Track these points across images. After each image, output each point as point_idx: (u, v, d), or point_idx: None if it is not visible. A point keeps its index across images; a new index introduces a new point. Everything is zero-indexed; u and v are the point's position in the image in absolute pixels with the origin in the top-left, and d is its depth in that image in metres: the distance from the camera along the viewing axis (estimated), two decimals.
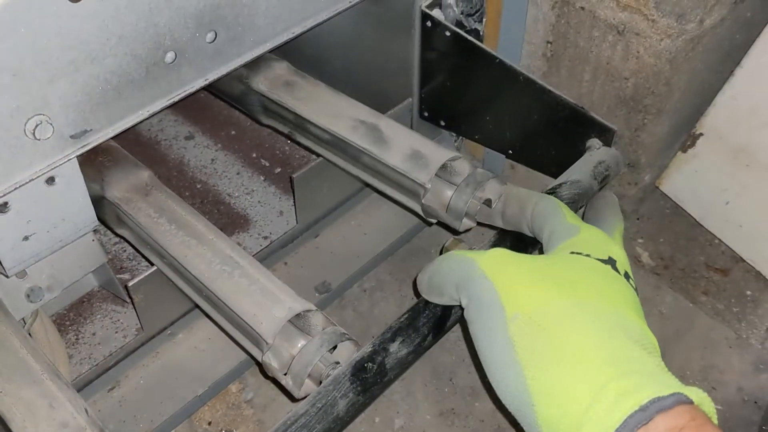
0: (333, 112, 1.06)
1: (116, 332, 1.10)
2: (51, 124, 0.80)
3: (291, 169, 1.35)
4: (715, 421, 0.53)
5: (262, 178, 1.35)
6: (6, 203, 0.83)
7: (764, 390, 1.11)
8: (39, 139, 0.80)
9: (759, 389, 1.11)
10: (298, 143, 1.18)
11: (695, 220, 1.32)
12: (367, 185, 1.18)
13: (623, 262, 0.69)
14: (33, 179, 0.83)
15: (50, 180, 0.85)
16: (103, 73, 0.82)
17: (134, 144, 1.38)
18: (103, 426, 0.74)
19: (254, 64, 1.12)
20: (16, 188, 0.82)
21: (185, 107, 1.44)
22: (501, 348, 0.60)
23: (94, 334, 1.10)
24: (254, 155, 1.38)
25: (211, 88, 1.15)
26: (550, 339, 0.58)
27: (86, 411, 0.73)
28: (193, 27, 0.87)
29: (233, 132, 1.43)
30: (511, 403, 0.60)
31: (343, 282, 1.20)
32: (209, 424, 1.09)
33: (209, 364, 1.08)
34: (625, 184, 1.33)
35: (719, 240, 1.30)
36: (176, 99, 0.90)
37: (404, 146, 1.00)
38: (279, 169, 1.36)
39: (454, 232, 1.03)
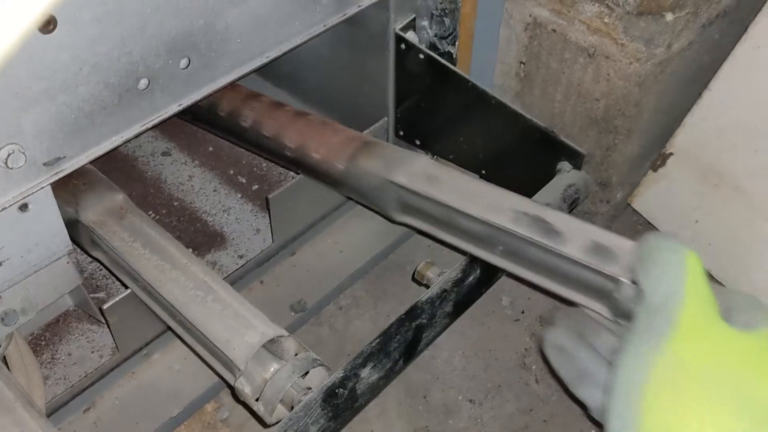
0: (488, 203, 0.92)
1: (92, 352, 1.11)
2: (24, 153, 0.80)
3: (268, 186, 1.36)
4: None
5: (239, 195, 1.35)
6: None
7: None
8: (11, 168, 0.80)
9: None
10: (440, 242, 1.01)
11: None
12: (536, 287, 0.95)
13: None
14: (5, 207, 0.83)
15: (23, 207, 0.86)
16: (76, 101, 0.82)
17: (111, 160, 1.38)
18: None
19: (394, 159, 1.02)
20: None
21: (162, 124, 1.45)
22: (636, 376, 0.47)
23: (69, 354, 1.10)
24: (231, 172, 1.39)
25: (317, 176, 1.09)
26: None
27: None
28: (165, 54, 0.88)
29: (210, 149, 1.44)
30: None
31: (319, 300, 1.21)
32: None
33: (185, 384, 1.08)
34: (597, 202, 1.35)
35: None
36: (150, 125, 0.91)
37: (582, 238, 0.85)
38: (256, 186, 1.36)
39: None
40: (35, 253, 0.90)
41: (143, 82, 0.88)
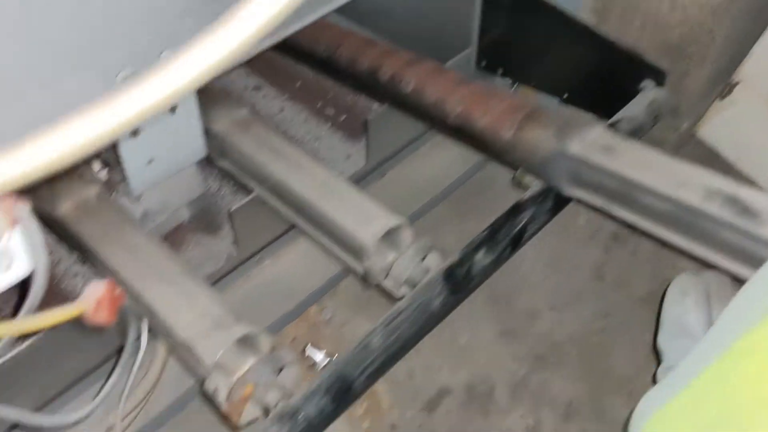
0: (676, 179, 0.86)
1: (208, 259, 1.21)
2: None
3: (355, 116, 1.45)
4: None
5: (329, 125, 1.45)
6: (137, 129, 0.94)
7: None
8: None
9: None
10: (615, 218, 0.95)
11: (731, 165, 1.42)
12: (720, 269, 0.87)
13: None
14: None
15: (172, 109, 0.96)
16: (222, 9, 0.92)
17: (208, 94, 1.48)
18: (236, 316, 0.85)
19: (565, 128, 0.97)
20: None
21: (252, 60, 1.54)
22: None
23: (188, 261, 1.21)
24: (320, 104, 1.49)
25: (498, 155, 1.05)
26: None
27: (221, 303, 0.85)
28: None
29: (299, 84, 1.53)
30: None
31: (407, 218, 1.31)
32: (293, 340, 1.21)
33: (294, 287, 1.19)
34: (666, 130, 1.43)
35: (753, 181, 1.40)
36: (283, 36, 1.00)
37: None
38: (344, 117, 1.46)
39: None
40: (178, 153, 1.01)
41: None
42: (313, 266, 1.22)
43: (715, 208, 0.81)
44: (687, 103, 1.37)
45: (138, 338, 0.79)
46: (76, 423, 0.64)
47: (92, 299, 0.54)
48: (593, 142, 0.93)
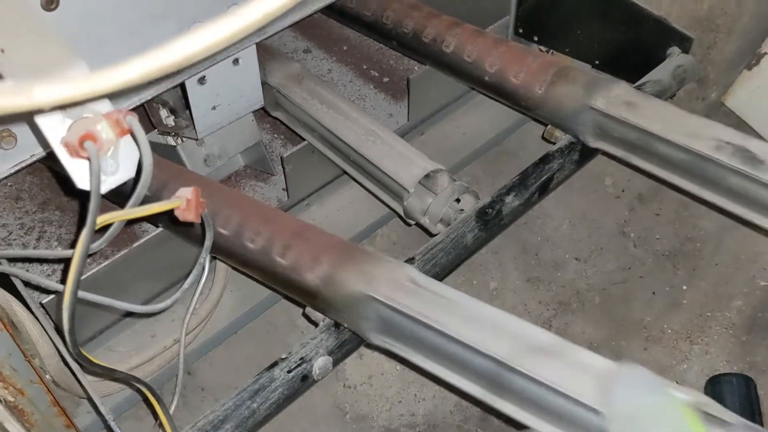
0: (689, 131, 0.95)
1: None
2: None
3: (397, 78, 1.55)
4: None
5: (372, 85, 1.55)
6: (204, 77, 1.05)
7: None
8: None
9: None
10: (633, 167, 1.06)
11: (757, 133, 1.49)
12: (721, 210, 0.98)
13: None
14: (225, 58, 1.05)
15: (236, 61, 1.07)
16: None
17: (265, 53, 1.59)
18: None
19: (592, 84, 1.06)
20: (212, 65, 1.04)
21: (301, 25, 1.65)
22: None
23: None
24: (365, 67, 1.59)
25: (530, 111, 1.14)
26: None
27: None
28: None
29: (345, 47, 1.63)
30: None
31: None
32: None
33: (340, 228, 1.30)
34: (694, 99, 1.50)
35: None
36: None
37: None
38: (387, 79, 1.56)
39: None
40: (239, 102, 1.12)
41: None
42: (354, 213, 1.33)
43: (725, 157, 0.90)
44: (715, 73, 1.44)
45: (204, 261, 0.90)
46: (159, 312, 0.75)
47: (184, 199, 0.65)
48: (617, 98, 1.02)
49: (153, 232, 1.07)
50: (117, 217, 0.61)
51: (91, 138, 0.57)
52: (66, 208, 1.31)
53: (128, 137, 0.63)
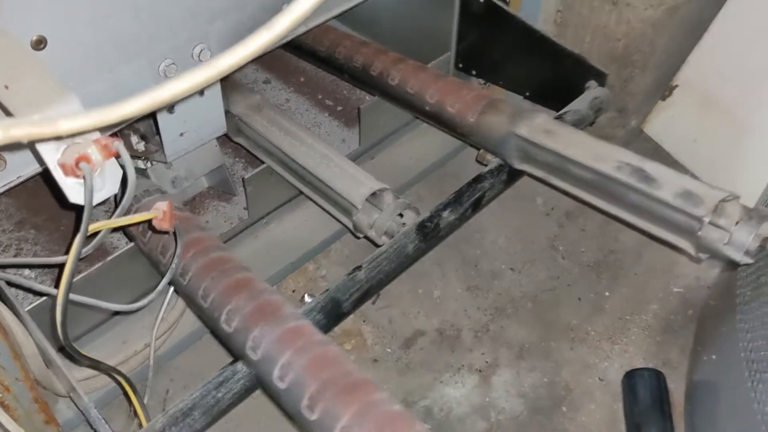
0: (596, 154, 1.09)
1: (224, 221, 1.44)
2: (209, 50, 1.14)
3: (350, 108, 1.69)
4: None
5: (327, 114, 1.69)
6: (173, 106, 1.17)
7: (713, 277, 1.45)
8: (201, 60, 1.14)
9: (711, 278, 1.46)
10: (552, 186, 1.19)
11: (672, 157, 1.66)
12: (623, 222, 1.12)
13: None
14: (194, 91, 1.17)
15: (201, 92, 1.20)
16: (243, 17, 1.16)
17: (228, 84, 1.72)
18: None
19: (517, 115, 1.20)
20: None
21: (261, 58, 1.78)
22: None
23: (207, 222, 1.44)
24: (320, 96, 1.72)
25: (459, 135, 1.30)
26: None
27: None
28: None
29: (302, 79, 1.77)
30: None
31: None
32: (293, 291, 1.44)
33: (295, 245, 1.43)
34: (615, 127, 1.67)
35: (691, 173, 1.64)
36: (290, 38, 1.24)
37: (674, 185, 1.00)
38: (341, 108, 1.70)
39: (733, 266, 1.07)
40: (205, 129, 1.24)
41: (285, 6, 1.21)
42: (310, 230, 1.46)
43: (624, 176, 1.05)
44: (633, 103, 1.61)
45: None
46: (138, 309, 0.86)
47: (160, 210, 0.77)
48: (537, 126, 1.17)
49: (122, 248, 1.18)
50: (106, 225, 0.72)
51: (85, 160, 0.69)
52: (41, 227, 1.41)
53: (113, 159, 0.75)
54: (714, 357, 1.14)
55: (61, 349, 0.91)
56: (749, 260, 0.93)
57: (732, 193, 0.95)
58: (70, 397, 1.09)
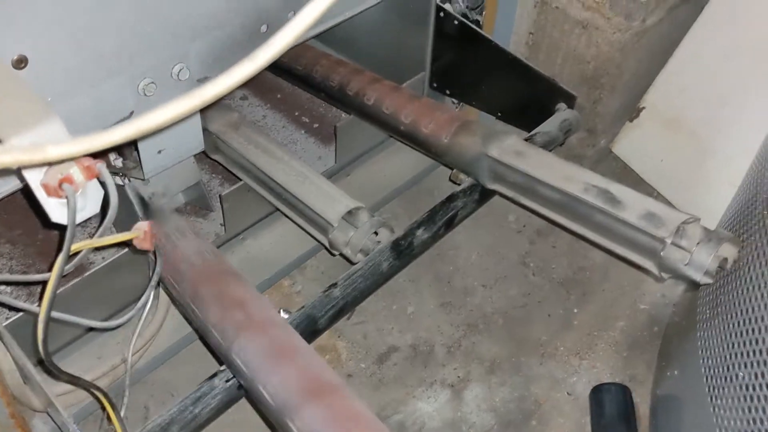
0: (564, 176, 1.13)
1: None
2: (188, 69, 1.16)
3: (326, 125, 1.72)
4: None
5: (303, 131, 1.71)
6: None
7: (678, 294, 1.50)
8: (180, 80, 1.16)
9: (676, 295, 1.51)
10: (522, 206, 1.23)
11: (639, 176, 1.71)
12: (589, 242, 1.17)
13: None
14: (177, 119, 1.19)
15: None
16: (222, 36, 1.18)
17: None
18: None
19: (489, 136, 1.24)
20: None
21: None
22: None
23: None
24: (297, 113, 1.75)
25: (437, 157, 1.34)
26: None
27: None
28: (279, 7, 1.23)
29: (279, 96, 1.79)
30: None
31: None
32: None
33: (271, 261, 1.44)
34: (585, 147, 1.71)
35: (657, 192, 1.69)
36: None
37: (638, 207, 1.04)
38: (317, 125, 1.72)
39: (695, 285, 1.11)
40: (183, 147, 1.26)
41: (264, 27, 1.24)
42: (286, 246, 1.48)
43: (590, 197, 1.09)
44: (602, 124, 1.66)
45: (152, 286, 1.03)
46: (117, 327, 0.87)
47: (141, 231, 0.79)
48: (508, 148, 1.21)
49: (99, 264, 1.19)
50: (88, 244, 0.74)
51: (68, 181, 0.70)
52: (16, 242, 1.41)
53: (94, 179, 0.76)
54: (676, 372, 1.18)
55: (39, 363, 0.92)
56: (709, 280, 0.98)
57: (693, 215, 0.99)
58: (47, 413, 1.10)
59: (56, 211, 0.74)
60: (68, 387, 1.13)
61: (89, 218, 0.79)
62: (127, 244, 0.80)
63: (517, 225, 1.64)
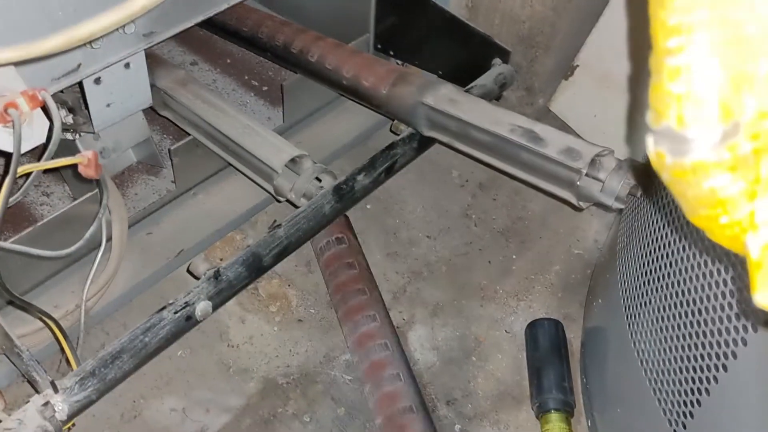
0: (493, 119, 1.22)
1: (153, 193, 1.50)
2: (134, 24, 1.20)
3: (275, 88, 1.77)
4: None
5: (253, 94, 1.76)
6: (100, 78, 1.23)
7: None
8: (126, 33, 1.20)
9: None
10: (457, 150, 1.32)
11: (576, 133, 1.79)
12: (518, 179, 1.28)
13: None
14: (118, 62, 1.23)
15: (127, 65, 1.26)
16: None
17: (157, 65, 1.77)
18: None
19: (425, 86, 1.33)
20: (107, 67, 1.22)
21: (189, 41, 1.84)
22: None
23: (136, 194, 1.50)
24: (246, 77, 1.80)
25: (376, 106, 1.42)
26: None
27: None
28: None
29: (228, 60, 1.84)
30: None
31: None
32: (221, 259, 1.51)
33: (222, 214, 1.49)
34: (524, 105, 1.79)
35: None
36: (211, 14, 1.31)
37: (559, 143, 1.15)
38: (266, 88, 1.77)
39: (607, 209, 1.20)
40: (130, 101, 1.30)
41: None
42: (236, 201, 1.53)
43: (516, 137, 1.17)
44: (539, 83, 1.74)
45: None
46: (66, 256, 0.92)
47: (86, 157, 0.84)
48: (443, 96, 1.28)
49: (50, 215, 1.23)
50: (34, 167, 0.79)
51: (13, 106, 0.75)
52: None
53: (39, 110, 0.81)
54: (600, 301, 1.26)
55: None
56: (620, 205, 1.06)
57: (607, 148, 1.07)
58: (5, 355, 1.14)
59: (2, 138, 0.79)
60: (23, 330, 1.17)
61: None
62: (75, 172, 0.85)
63: (460, 180, 1.71)
